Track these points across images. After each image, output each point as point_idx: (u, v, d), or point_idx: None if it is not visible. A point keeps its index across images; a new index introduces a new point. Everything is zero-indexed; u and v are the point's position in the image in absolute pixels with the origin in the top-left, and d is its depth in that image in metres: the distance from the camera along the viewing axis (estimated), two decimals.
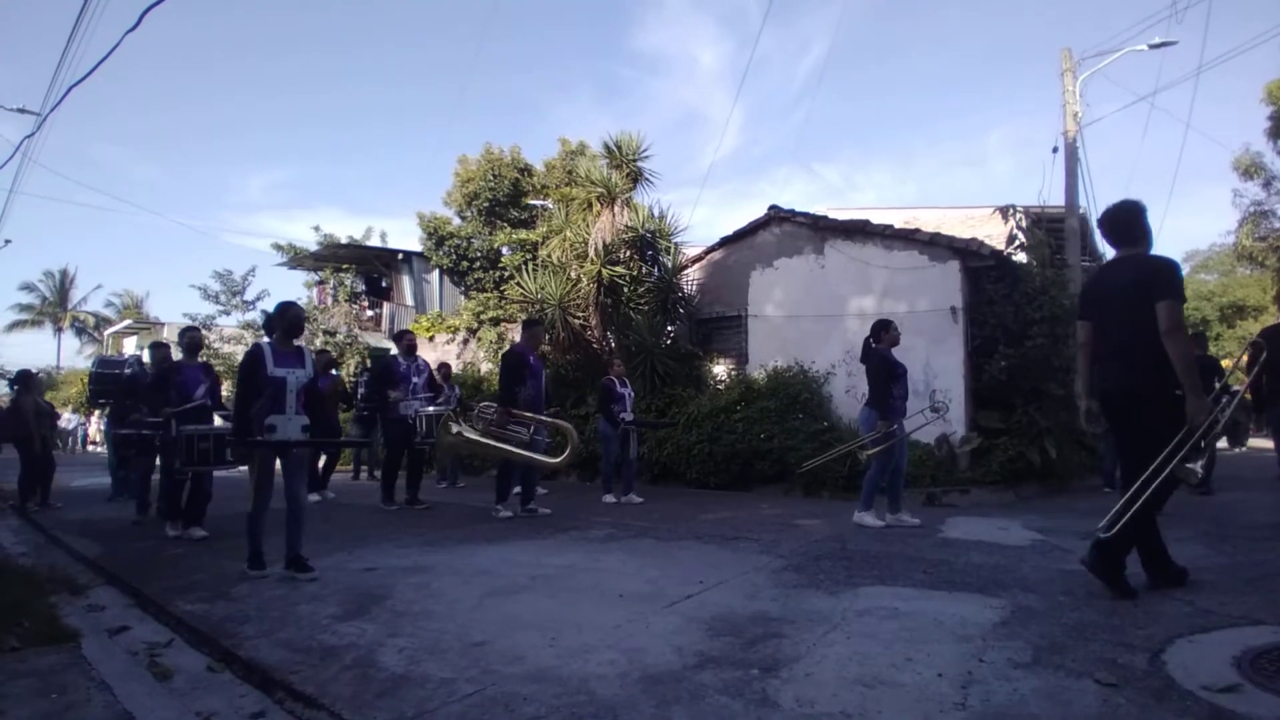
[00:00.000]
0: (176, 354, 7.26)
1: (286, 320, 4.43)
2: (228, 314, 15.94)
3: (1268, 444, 10.53)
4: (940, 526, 5.78)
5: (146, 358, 7.92)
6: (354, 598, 3.72)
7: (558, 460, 6.45)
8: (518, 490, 6.81)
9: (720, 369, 10.13)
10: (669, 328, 10.44)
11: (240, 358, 5.75)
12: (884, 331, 6.07)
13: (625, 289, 10.28)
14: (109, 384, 7.84)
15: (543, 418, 6.46)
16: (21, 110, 12.08)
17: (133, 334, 33.13)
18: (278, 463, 4.32)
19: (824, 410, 8.65)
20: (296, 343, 4.52)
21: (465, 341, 14.55)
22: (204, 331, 14.81)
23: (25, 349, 58.89)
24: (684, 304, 10.52)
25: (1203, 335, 8.84)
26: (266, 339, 4.51)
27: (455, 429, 6.51)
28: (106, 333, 36.33)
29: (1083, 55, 10.91)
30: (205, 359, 7.67)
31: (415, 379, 7.55)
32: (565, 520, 6.35)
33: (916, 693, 2.37)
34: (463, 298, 17.00)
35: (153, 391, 6.17)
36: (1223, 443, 15.89)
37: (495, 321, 13.97)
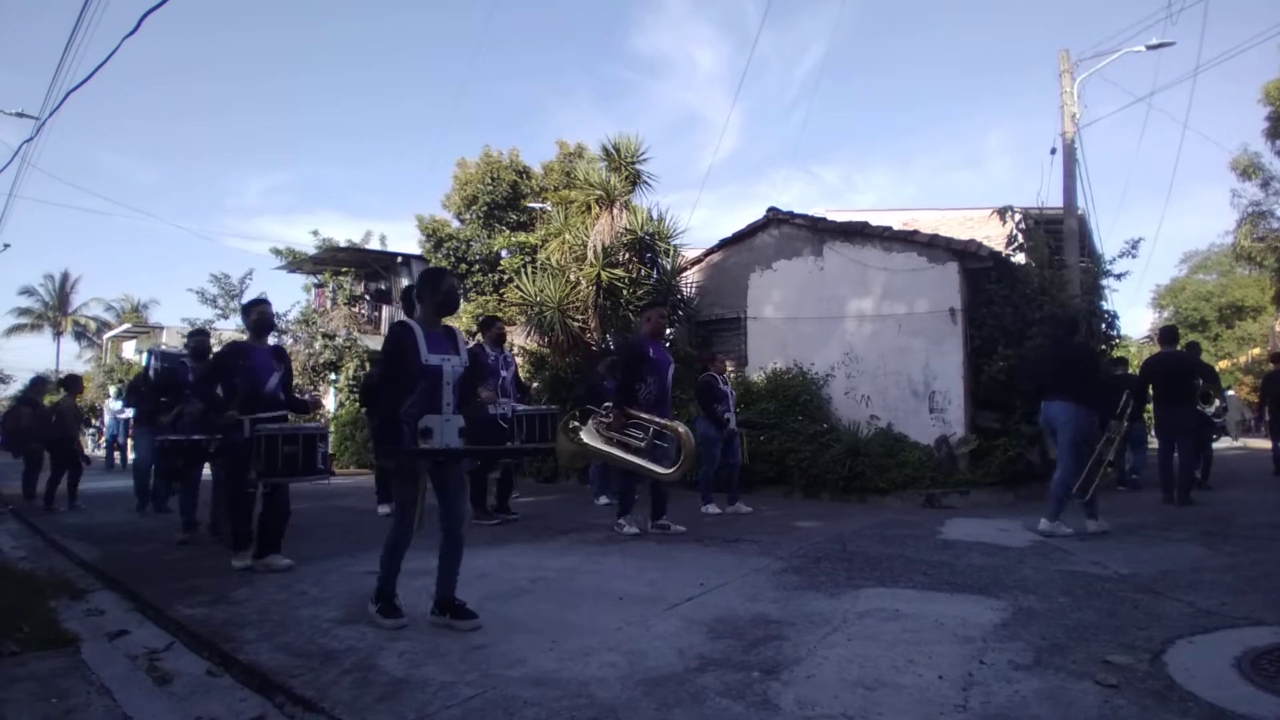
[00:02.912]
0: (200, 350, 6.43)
1: (440, 294, 3.43)
2: (225, 318, 15.94)
3: (1266, 443, 10.57)
4: (940, 528, 5.77)
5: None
6: (355, 601, 3.71)
7: (669, 471, 5.50)
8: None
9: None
10: (668, 330, 10.43)
11: None
12: (1081, 325, 5.72)
13: (624, 291, 10.27)
14: (166, 379, 6.68)
15: (658, 420, 5.55)
16: (20, 115, 12.11)
17: (132, 338, 33.12)
18: None
19: (823, 412, 8.66)
20: (446, 322, 3.57)
21: (465, 344, 14.55)
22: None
23: (25, 353, 58.68)
24: (683, 306, 10.52)
25: (1196, 345, 8.89)
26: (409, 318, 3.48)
27: (574, 425, 5.79)
28: (106, 336, 36.30)
29: (1080, 56, 10.92)
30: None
31: (504, 372, 6.49)
32: (564, 523, 6.35)
33: (918, 694, 2.37)
34: (462, 300, 17.01)
35: (208, 382, 4.78)
36: (1227, 440, 16.03)
37: None
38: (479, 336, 6.83)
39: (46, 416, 8.70)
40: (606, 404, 5.88)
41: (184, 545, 5.61)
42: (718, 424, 6.79)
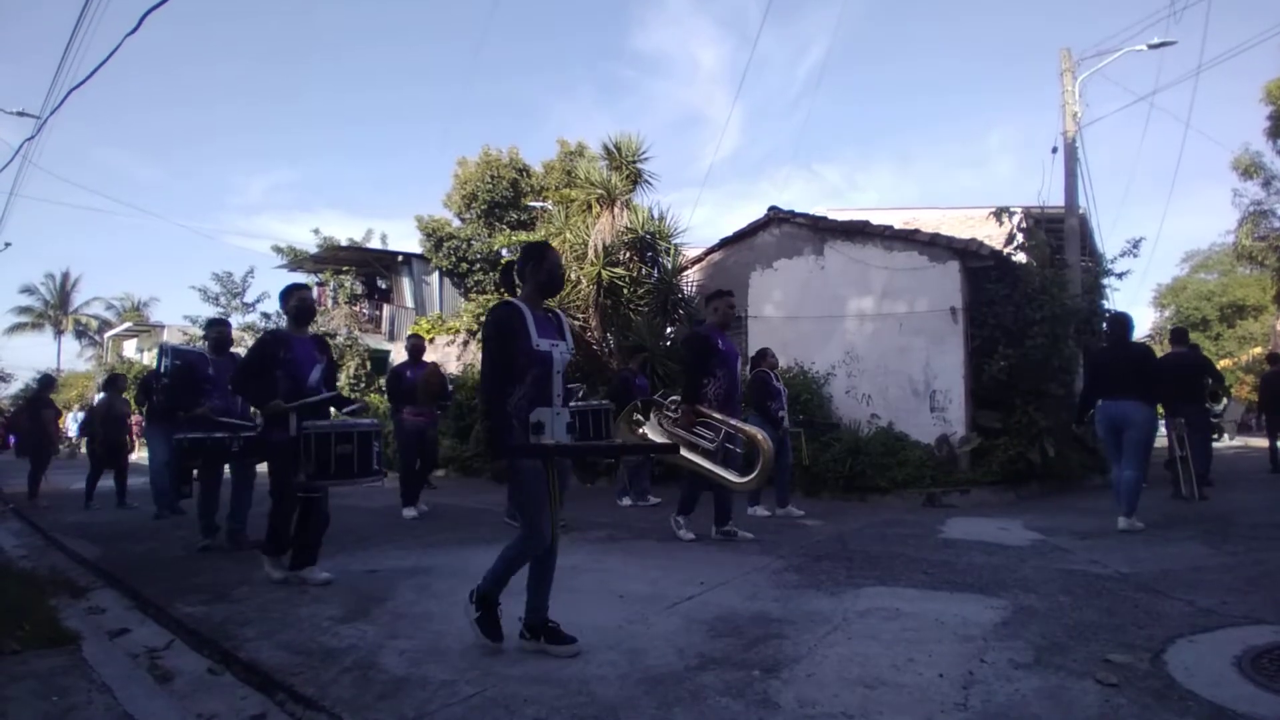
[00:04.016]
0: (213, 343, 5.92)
1: (544, 271, 2.98)
2: (228, 315, 15.91)
3: (1265, 442, 10.55)
4: (941, 527, 5.77)
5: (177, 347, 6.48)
6: (355, 599, 3.72)
7: (746, 479, 5.01)
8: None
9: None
10: (669, 329, 10.44)
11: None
12: (1133, 325, 6.13)
13: (625, 290, 10.28)
14: (183, 375, 6.00)
15: (732, 421, 5.07)
16: (21, 114, 12.10)
17: (133, 336, 33.16)
18: None
19: (824, 411, 8.65)
20: (548, 305, 3.12)
21: (465, 344, 14.56)
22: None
23: (26, 352, 58.93)
24: (684, 305, 10.51)
25: (1197, 346, 8.95)
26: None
27: (637, 418, 5.39)
28: (107, 335, 36.32)
29: (1082, 55, 10.91)
30: None
31: None
32: (565, 522, 6.34)
33: (918, 693, 2.37)
34: (463, 300, 17.02)
35: (247, 374, 4.28)
36: (1230, 440, 15.99)
37: None
38: None
39: (97, 415, 8.84)
40: (673, 398, 5.44)
41: (206, 551, 5.19)
42: (772, 422, 6.43)
